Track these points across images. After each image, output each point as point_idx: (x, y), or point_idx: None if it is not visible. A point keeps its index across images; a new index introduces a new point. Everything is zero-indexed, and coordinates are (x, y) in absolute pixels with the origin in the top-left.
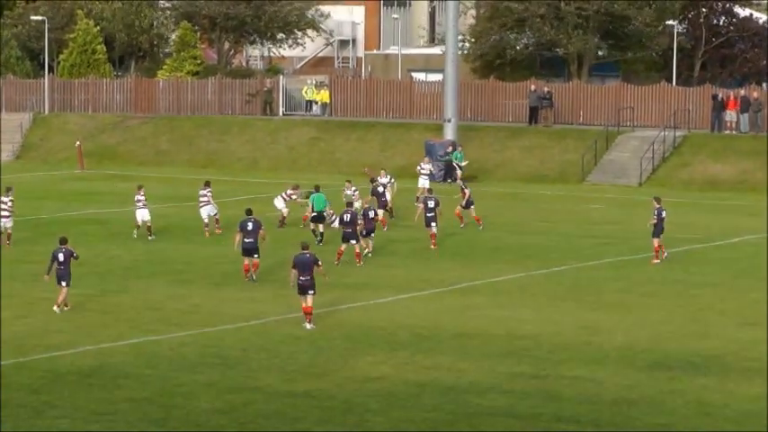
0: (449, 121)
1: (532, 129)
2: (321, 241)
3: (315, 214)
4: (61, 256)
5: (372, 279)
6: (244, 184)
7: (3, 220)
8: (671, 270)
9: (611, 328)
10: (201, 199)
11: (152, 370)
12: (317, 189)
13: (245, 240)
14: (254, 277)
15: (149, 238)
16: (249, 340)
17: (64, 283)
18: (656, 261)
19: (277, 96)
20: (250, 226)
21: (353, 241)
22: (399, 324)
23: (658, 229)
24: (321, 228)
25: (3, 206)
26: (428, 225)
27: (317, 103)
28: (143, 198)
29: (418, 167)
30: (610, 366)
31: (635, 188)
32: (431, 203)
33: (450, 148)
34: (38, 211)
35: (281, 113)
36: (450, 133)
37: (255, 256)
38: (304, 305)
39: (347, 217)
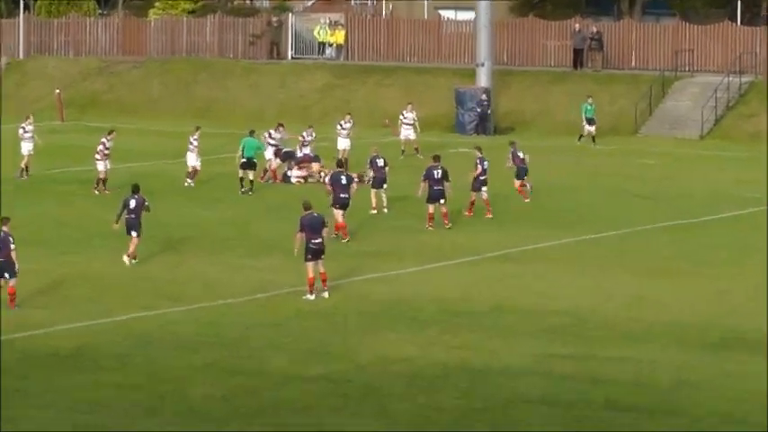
0: (482, 65)
1: (577, 73)
2: (251, 190)
3: (244, 160)
4: (133, 203)
5: (397, 246)
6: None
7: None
8: (732, 235)
9: (663, 301)
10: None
11: (141, 350)
12: (252, 133)
13: (340, 195)
14: (338, 234)
15: (186, 183)
16: (254, 316)
17: (134, 233)
18: (526, 200)
19: (285, 37)
20: (344, 180)
21: (443, 200)
22: (426, 297)
23: (521, 172)
24: (251, 176)
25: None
26: (477, 190)
27: (330, 45)
28: (195, 142)
29: (400, 116)
30: (660, 345)
31: (696, 141)
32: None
33: (485, 102)
34: (13, 168)
35: (289, 57)
36: (483, 79)
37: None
38: (312, 273)
39: (437, 173)
